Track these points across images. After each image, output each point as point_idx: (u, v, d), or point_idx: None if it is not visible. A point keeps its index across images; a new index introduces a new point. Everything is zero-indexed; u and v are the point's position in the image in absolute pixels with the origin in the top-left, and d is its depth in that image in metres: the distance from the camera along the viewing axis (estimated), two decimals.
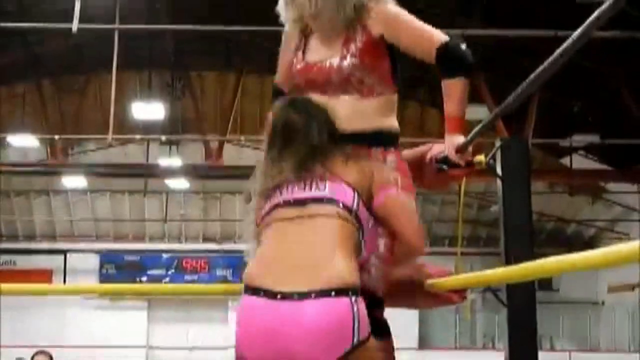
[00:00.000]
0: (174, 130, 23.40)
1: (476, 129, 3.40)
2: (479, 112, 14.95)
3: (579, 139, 20.73)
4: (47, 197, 27.06)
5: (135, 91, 23.07)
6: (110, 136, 17.24)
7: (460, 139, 3.33)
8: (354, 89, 3.42)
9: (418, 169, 3.50)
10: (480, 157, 3.47)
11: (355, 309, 2.83)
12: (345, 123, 3.32)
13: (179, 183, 24.36)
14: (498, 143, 5.18)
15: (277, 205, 3.10)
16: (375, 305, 3.14)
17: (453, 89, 3.35)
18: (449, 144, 3.35)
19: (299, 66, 3.54)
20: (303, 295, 2.84)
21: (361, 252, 3.04)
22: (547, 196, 25.08)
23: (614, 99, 18.72)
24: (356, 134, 3.36)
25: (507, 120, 16.24)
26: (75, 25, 9.76)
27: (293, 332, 2.82)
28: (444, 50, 3.33)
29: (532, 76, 2.71)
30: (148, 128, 22.71)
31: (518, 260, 3.61)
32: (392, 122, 3.48)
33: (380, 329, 3.16)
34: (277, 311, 2.85)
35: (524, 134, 17.48)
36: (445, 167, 3.40)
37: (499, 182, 5.26)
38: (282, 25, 3.55)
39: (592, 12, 2.32)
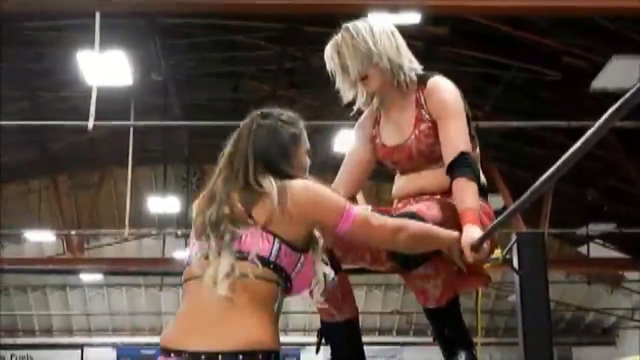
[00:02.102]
0: (189, 224, 23.36)
1: (491, 225, 3.38)
2: (494, 202, 14.95)
3: (595, 228, 20.65)
4: (63, 292, 27.03)
5: (150, 185, 23.19)
6: (126, 231, 17.29)
7: (476, 233, 3.34)
8: (438, 160, 3.64)
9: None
10: (498, 253, 3.48)
11: None
12: (443, 183, 3.60)
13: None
14: (514, 237, 5.16)
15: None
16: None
17: (466, 185, 3.48)
18: (466, 238, 3.36)
19: (381, 152, 3.80)
20: (211, 356, 2.77)
21: (277, 301, 2.94)
22: (566, 285, 24.93)
23: (628, 187, 18.68)
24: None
25: (523, 211, 16.21)
26: (91, 123, 9.83)
27: None
28: (463, 157, 3.52)
29: (549, 172, 2.69)
30: (163, 222, 22.74)
31: (537, 350, 3.56)
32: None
33: None
34: None
35: (540, 225, 17.41)
36: (457, 268, 3.42)
37: (516, 276, 5.21)
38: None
39: (605, 102, 2.32)
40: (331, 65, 3.75)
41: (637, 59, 11.86)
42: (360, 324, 3.73)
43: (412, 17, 10.17)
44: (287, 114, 3.31)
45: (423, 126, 3.66)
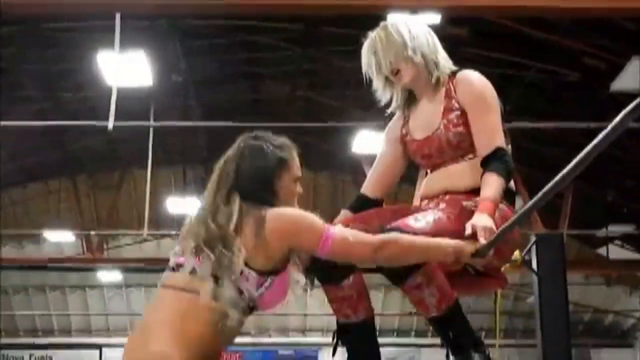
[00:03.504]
0: None
1: (505, 225, 3.34)
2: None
3: (614, 230, 20.58)
4: (82, 292, 27.10)
5: (169, 186, 23.23)
6: (145, 232, 17.34)
7: (483, 220, 3.34)
8: (466, 153, 3.65)
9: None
10: (517, 254, 3.46)
11: None
12: (467, 183, 3.60)
13: None
14: (533, 238, 5.16)
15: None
16: None
17: (494, 181, 3.48)
18: (473, 222, 3.36)
19: (412, 148, 3.81)
20: None
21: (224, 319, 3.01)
22: (584, 287, 24.84)
23: None
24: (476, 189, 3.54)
25: (543, 212, 16.16)
26: (111, 123, 9.86)
27: None
28: (499, 152, 3.54)
29: (565, 170, 2.69)
30: (182, 223, 22.78)
31: (555, 352, 3.57)
32: None
33: None
34: None
35: (559, 227, 17.37)
36: (471, 270, 3.40)
37: (534, 277, 5.22)
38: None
39: (625, 103, 2.31)
40: (366, 62, 3.80)
41: None
42: (378, 325, 3.73)
43: (432, 18, 10.17)
44: (280, 139, 3.31)
45: (452, 115, 3.68)
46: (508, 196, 3.62)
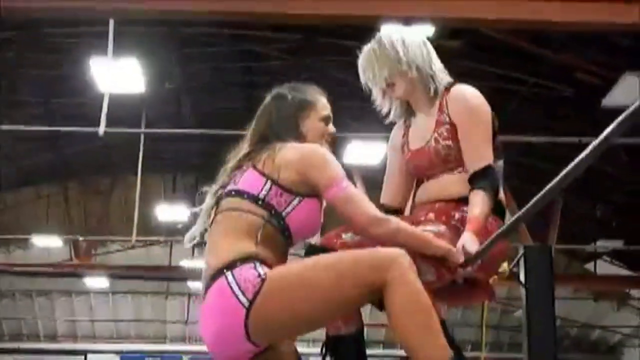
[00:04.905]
0: None
1: (492, 236, 3.37)
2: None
3: (603, 245, 20.62)
4: (69, 298, 27.06)
5: (159, 193, 23.23)
6: (133, 238, 17.33)
7: (470, 241, 3.36)
8: (456, 166, 3.66)
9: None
10: (504, 266, 3.46)
11: (229, 279, 3.07)
12: (457, 192, 3.60)
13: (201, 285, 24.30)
14: (521, 250, 5.18)
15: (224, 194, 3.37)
16: None
17: (481, 199, 3.50)
18: (460, 242, 3.39)
19: (407, 157, 3.82)
20: (207, 284, 3.17)
21: (261, 231, 3.18)
22: (572, 301, 24.88)
23: (637, 204, 18.67)
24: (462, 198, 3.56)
25: (531, 225, 16.18)
26: (101, 129, 9.87)
27: (206, 319, 3.19)
28: (487, 170, 3.56)
29: (551, 184, 2.71)
30: (171, 230, 22.77)
31: None
32: None
33: None
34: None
35: (548, 240, 17.39)
36: (460, 283, 3.40)
37: (522, 289, 5.24)
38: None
39: (617, 117, 2.33)
40: (362, 74, 3.83)
41: None
42: (365, 336, 3.72)
43: (426, 30, 10.18)
44: (305, 85, 3.57)
45: (442, 129, 3.69)
46: (497, 210, 3.62)
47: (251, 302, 3.03)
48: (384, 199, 3.90)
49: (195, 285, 24.50)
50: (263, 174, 3.24)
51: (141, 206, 16.88)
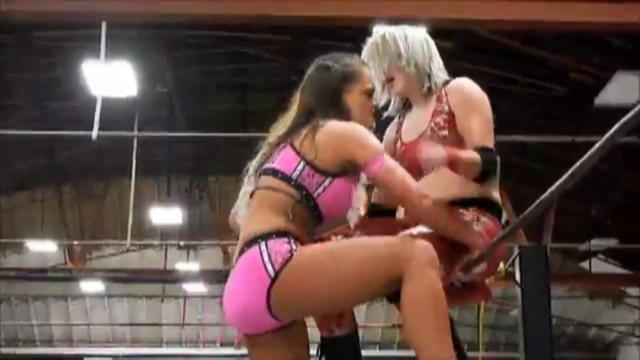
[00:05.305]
0: (191, 235, 23.45)
1: (493, 241, 3.30)
2: None
3: (598, 244, 20.64)
4: (64, 302, 27.03)
5: (153, 196, 23.20)
6: (128, 242, 17.30)
7: (434, 148, 3.33)
8: None
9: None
10: (500, 266, 3.44)
11: (262, 248, 3.11)
12: (451, 194, 3.48)
13: (197, 288, 24.30)
14: (516, 250, 5.18)
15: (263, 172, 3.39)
16: None
17: (471, 153, 3.45)
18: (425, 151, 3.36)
19: (401, 152, 3.77)
20: (240, 251, 3.20)
21: (290, 209, 3.21)
22: (568, 300, 24.90)
23: (631, 203, 18.68)
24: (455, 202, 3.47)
25: (526, 225, 16.18)
26: (95, 133, 9.85)
27: (232, 285, 3.23)
28: (488, 151, 3.47)
29: (553, 186, 2.69)
30: (166, 233, 22.76)
31: None
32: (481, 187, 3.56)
33: None
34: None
35: (543, 239, 17.39)
36: (459, 284, 3.39)
37: (518, 289, 5.25)
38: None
39: (610, 117, 2.32)
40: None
41: None
42: (361, 337, 3.71)
43: (418, 30, 10.18)
44: (348, 56, 3.52)
45: (439, 118, 3.66)
46: (493, 209, 3.59)
47: (277, 274, 3.07)
48: (375, 198, 3.85)
49: (191, 289, 24.50)
50: (298, 154, 3.25)
51: (135, 209, 16.84)
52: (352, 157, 3.22)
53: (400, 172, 3.22)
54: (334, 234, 3.52)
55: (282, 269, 3.07)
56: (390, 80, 3.78)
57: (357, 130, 3.26)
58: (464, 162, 3.35)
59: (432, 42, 3.84)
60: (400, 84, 3.76)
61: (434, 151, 3.28)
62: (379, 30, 3.86)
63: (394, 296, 3.16)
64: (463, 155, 3.35)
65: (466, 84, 3.71)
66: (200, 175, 22.92)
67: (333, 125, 3.27)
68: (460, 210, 3.49)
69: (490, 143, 3.52)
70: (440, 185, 3.57)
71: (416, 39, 3.80)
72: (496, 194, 3.62)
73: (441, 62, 3.84)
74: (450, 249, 3.32)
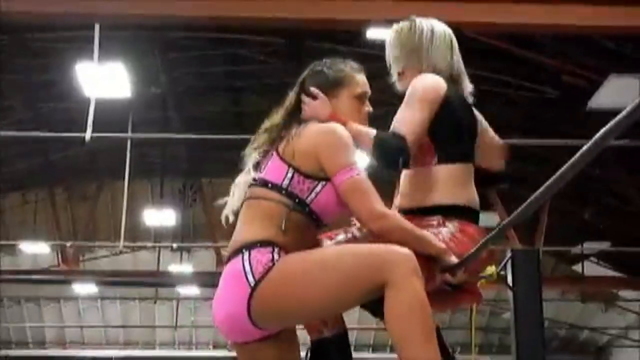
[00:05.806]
0: (185, 237, 23.44)
1: (481, 242, 3.29)
2: (490, 220, 14.92)
3: (590, 247, 20.67)
4: (57, 304, 26.99)
5: (147, 198, 23.18)
6: (121, 244, 17.28)
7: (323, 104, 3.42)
8: (430, 159, 3.55)
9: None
10: (492, 269, 3.43)
11: (245, 257, 3.12)
12: (413, 198, 3.55)
13: (190, 290, 24.29)
14: (509, 253, 5.19)
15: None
16: None
17: (369, 130, 3.45)
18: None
19: None
20: (226, 261, 3.23)
21: (283, 220, 3.20)
22: (560, 303, 24.94)
23: (624, 206, 18.72)
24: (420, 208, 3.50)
25: (519, 227, 16.22)
26: (88, 134, 9.83)
27: (218, 293, 3.20)
28: (389, 136, 3.42)
29: (542, 188, 2.69)
30: (159, 235, 22.73)
31: None
32: (445, 194, 3.53)
33: None
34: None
35: (535, 242, 17.42)
36: (449, 288, 3.38)
37: (510, 292, 5.25)
38: None
39: (603, 120, 2.33)
40: (387, 48, 3.81)
41: (635, 77, 11.87)
42: (353, 339, 3.69)
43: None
44: (343, 62, 3.53)
45: None
46: (465, 214, 3.52)
47: (257, 283, 3.08)
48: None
49: (184, 291, 24.48)
50: (285, 162, 3.26)
51: (128, 211, 16.83)
52: (323, 164, 3.23)
53: (363, 189, 3.19)
54: (322, 237, 3.51)
55: (262, 278, 3.08)
56: (401, 74, 3.75)
57: (331, 137, 3.25)
58: (353, 130, 3.35)
59: (455, 40, 3.79)
60: (409, 82, 3.65)
61: (321, 105, 3.41)
62: (412, 17, 3.82)
63: (377, 311, 3.15)
64: (354, 129, 3.37)
65: (418, 78, 3.61)
66: (194, 177, 22.92)
67: (311, 130, 3.29)
68: (426, 218, 3.46)
69: (403, 130, 3.41)
70: (405, 192, 3.56)
71: (441, 37, 3.75)
72: (469, 199, 3.56)
73: (462, 65, 3.81)
74: (428, 255, 3.30)
